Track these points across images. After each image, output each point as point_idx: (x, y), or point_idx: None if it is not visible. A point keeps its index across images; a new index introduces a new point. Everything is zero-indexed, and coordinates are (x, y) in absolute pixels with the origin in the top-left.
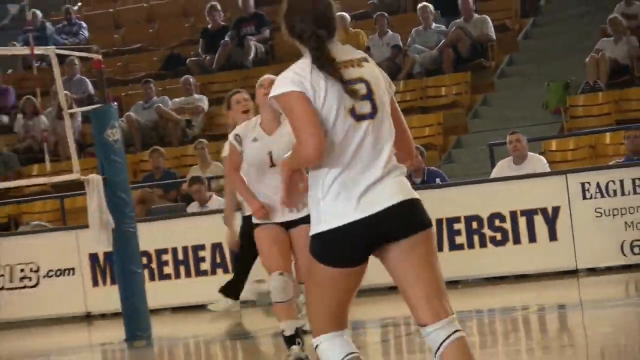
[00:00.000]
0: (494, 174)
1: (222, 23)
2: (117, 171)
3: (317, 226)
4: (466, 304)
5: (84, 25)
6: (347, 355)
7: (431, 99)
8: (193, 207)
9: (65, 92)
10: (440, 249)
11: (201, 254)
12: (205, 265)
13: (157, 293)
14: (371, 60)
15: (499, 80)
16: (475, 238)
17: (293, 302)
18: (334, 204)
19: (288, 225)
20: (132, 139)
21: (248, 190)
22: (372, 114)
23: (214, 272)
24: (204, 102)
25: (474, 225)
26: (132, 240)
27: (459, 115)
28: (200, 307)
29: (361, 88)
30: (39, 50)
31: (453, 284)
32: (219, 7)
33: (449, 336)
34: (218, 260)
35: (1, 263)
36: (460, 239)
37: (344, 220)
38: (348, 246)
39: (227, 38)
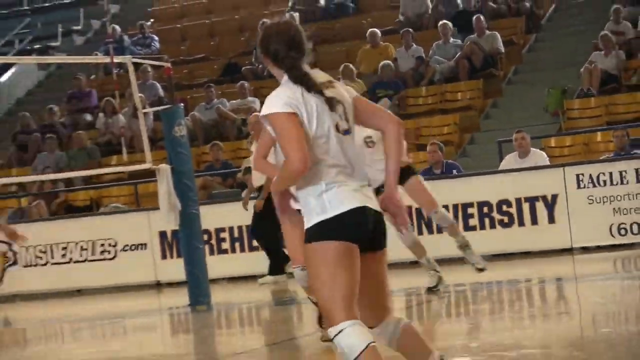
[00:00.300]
0: (502, 166)
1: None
2: (183, 162)
3: (323, 214)
4: (478, 277)
5: (156, 38)
6: (370, 343)
7: (449, 103)
8: (246, 192)
9: (140, 95)
10: None
11: None
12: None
13: (215, 265)
14: (336, 81)
15: (507, 87)
16: (486, 221)
17: None
18: (338, 195)
19: None
20: (196, 134)
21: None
22: (349, 131)
23: None
24: (256, 104)
25: (485, 209)
26: (195, 220)
27: (473, 116)
28: (252, 278)
29: (339, 107)
30: (117, 59)
31: None
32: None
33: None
34: None
35: (84, 239)
36: (473, 222)
37: (355, 204)
38: (363, 223)
39: None
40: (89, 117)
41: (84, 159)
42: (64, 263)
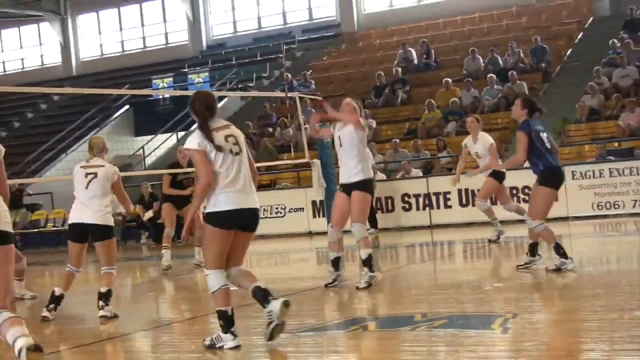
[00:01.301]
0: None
1: (384, 83)
2: (327, 157)
3: (214, 207)
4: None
5: (313, 82)
6: (224, 285)
7: (493, 125)
8: None
9: (302, 116)
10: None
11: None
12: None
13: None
14: (233, 126)
15: None
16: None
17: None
18: (226, 199)
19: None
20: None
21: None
22: (239, 152)
23: (383, 211)
24: (373, 124)
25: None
26: (334, 194)
27: (507, 134)
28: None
29: (232, 139)
30: (290, 95)
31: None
32: (383, 74)
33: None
34: (379, 205)
35: (267, 204)
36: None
37: (231, 207)
38: (230, 219)
39: (386, 90)
40: (270, 129)
41: (267, 155)
42: None
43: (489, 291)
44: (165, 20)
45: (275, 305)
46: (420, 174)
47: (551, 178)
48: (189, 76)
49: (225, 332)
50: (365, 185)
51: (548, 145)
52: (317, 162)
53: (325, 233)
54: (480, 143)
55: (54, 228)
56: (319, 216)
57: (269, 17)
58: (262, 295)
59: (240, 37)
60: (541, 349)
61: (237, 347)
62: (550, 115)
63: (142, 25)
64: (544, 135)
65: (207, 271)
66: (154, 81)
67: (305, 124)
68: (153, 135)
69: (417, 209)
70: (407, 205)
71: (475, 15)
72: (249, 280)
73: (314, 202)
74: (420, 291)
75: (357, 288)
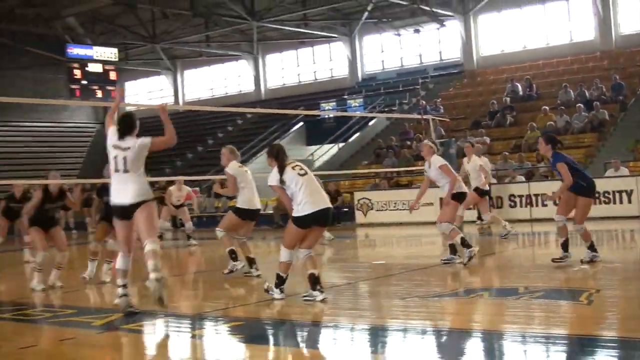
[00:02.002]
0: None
1: (496, 109)
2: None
3: (296, 213)
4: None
5: (441, 107)
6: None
7: (580, 142)
8: None
9: (433, 133)
10: None
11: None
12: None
13: (466, 213)
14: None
15: (610, 136)
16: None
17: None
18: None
19: None
20: (459, 152)
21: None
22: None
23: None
24: (487, 140)
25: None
26: None
27: (593, 150)
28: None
29: (298, 167)
30: (424, 117)
31: None
32: (495, 102)
33: None
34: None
35: (405, 199)
36: None
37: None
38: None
39: (498, 115)
40: (408, 142)
41: (405, 162)
42: (397, 210)
43: (577, 271)
44: (331, 59)
45: (316, 295)
46: (523, 179)
47: (591, 190)
48: (348, 101)
49: (276, 287)
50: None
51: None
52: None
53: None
54: (471, 164)
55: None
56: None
57: (409, 58)
58: (313, 282)
59: (387, 72)
60: (619, 318)
61: (281, 299)
62: (625, 137)
63: (314, 63)
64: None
65: (283, 248)
66: (322, 104)
67: (435, 139)
68: (320, 145)
69: (521, 206)
70: (512, 203)
71: (567, 59)
72: (310, 265)
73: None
74: (522, 270)
75: (464, 264)
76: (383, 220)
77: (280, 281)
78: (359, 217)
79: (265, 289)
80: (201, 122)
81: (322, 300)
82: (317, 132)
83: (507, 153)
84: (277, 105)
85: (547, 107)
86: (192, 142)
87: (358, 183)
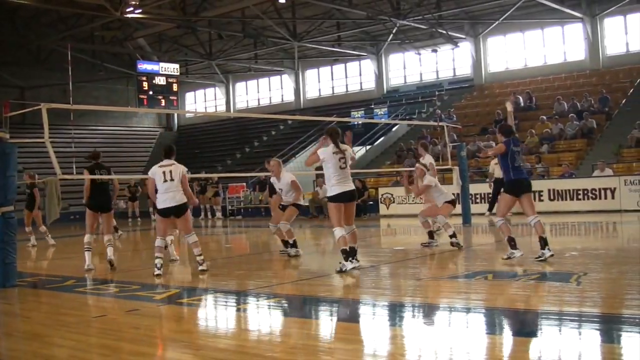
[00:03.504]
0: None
1: (501, 117)
2: (463, 165)
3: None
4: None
5: (455, 116)
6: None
7: (573, 147)
8: (488, 179)
9: (447, 138)
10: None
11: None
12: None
13: (474, 208)
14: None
15: (597, 143)
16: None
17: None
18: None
19: None
20: (469, 155)
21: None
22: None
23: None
24: (494, 145)
25: (584, 192)
26: (467, 189)
27: (583, 154)
28: (492, 214)
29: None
30: (440, 124)
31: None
32: (500, 112)
33: None
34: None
35: None
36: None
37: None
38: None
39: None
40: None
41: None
42: (415, 203)
43: (568, 257)
44: (360, 74)
45: (350, 264)
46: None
47: (512, 188)
48: (375, 110)
49: (346, 260)
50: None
51: (517, 164)
52: (456, 168)
53: (460, 214)
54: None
55: None
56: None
57: (427, 74)
58: (351, 253)
59: (408, 85)
60: (603, 296)
61: (355, 269)
62: (610, 142)
63: (346, 77)
64: (518, 155)
65: (334, 229)
66: (352, 112)
67: (449, 143)
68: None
69: None
70: None
71: (562, 75)
72: (351, 239)
73: (454, 194)
74: (522, 256)
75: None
76: (402, 212)
77: (345, 254)
78: (382, 209)
79: (338, 271)
80: (249, 127)
81: (352, 269)
82: None
83: None
84: (313, 113)
85: (544, 117)
86: (241, 144)
87: (382, 180)
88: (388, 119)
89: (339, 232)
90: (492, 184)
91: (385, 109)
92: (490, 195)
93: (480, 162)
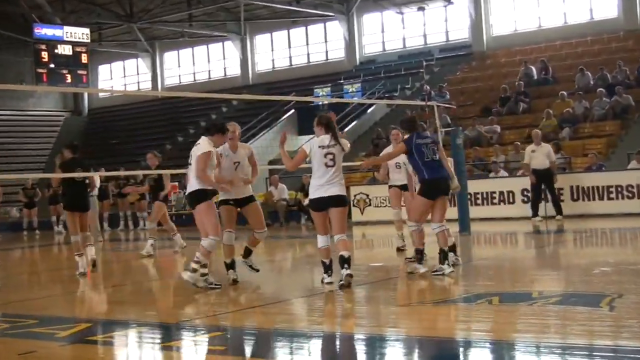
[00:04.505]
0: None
1: (508, 94)
2: (460, 157)
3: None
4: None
5: (447, 93)
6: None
7: (601, 131)
8: (492, 174)
9: (438, 122)
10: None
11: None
12: (496, 200)
13: (474, 211)
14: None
15: (634, 124)
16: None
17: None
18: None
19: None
20: (466, 143)
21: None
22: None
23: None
24: (498, 129)
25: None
26: (464, 187)
27: (615, 140)
28: (496, 219)
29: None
30: (428, 103)
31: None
32: (507, 87)
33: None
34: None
35: None
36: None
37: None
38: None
39: (510, 101)
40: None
41: None
42: None
43: (597, 275)
44: (326, 41)
45: (344, 273)
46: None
47: (426, 189)
48: (345, 87)
49: (325, 272)
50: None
51: (428, 157)
52: (450, 160)
53: (456, 220)
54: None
55: None
56: (450, 205)
57: (412, 39)
58: (341, 261)
59: (387, 54)
60: None
61: (342, 283)
62: None
63: (307, 44)
64: (426, 148)
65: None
66: (316, 90)
67: (440, 128)
68: (313, 135)
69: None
70: (525, 198)
71: (587, 39)
72: (341, 247)
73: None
74: (537, 271)
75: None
76: (382, 218)
77: (324, 267)
78: (356, 214)
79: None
80: (182, 110)
81: (329, 283)
82: (310, 121)
83: (519, 143)
84: (265, 92)
85: (564, 92)
86: (172, 132)
87: (354, 177)
88: (362, 98)
89: (320, 240)
90: (532, 176)
91: (358, 85)
92: (529, 194)
93: (480, 151)
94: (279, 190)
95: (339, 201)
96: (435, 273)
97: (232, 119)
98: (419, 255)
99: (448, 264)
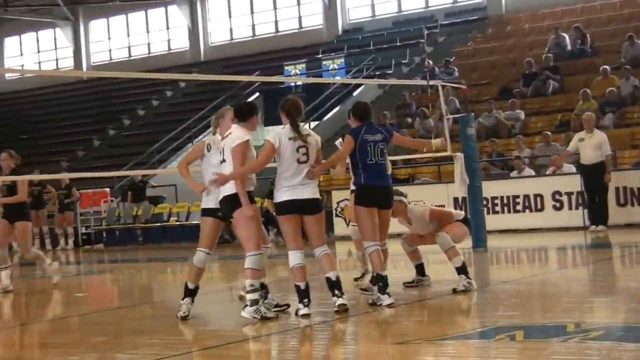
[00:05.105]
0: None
1: (534, 70)
2: (471, 151)
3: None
4: None
5: (456, 69)
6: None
7: None
8: (514, 173)
9: (444, 106)
10: None
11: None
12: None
13: (491, 221)
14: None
15: None
16: None
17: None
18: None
19: None
20: (480, 133)
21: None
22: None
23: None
24: (522, 115)
25: None
26: (478, 191)
27: None
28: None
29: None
30: (431, 83)
31: None
32: (532, 61)
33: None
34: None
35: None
36: None
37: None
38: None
39: (536, 79)
40: (409, 120)
41: (405, 149)
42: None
43: None
44: (299, 4)
45: (337, 302)
46: (574, 170)
47: (361, 196)
48: (323, 62)
49: (300, 301)
50: None
51: (371, 159)
52: (460, 155)
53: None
54: None
55: (177, 223)
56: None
57: (410, 1)
58: (330, 286)
59: (378, 20)
60: None
61: (338, 311)
62: None
63: (275, 8)
64: (373, 147)
65: (288, 251)
66: (286, 67)
67: (447, 114)
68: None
69: (570, 207)
70: (558, 204)
71: None
72: (326, 265)
73: (455, 199)
74: (573, 298)
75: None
76: None
77: (299, 294)
78: (339, 226)
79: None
80: (114, 95)
81: (304, 316)
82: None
83: (549, 133)
84: (222, 70)
85: (607, 67)
86: (102, 123)
87: (337, 180)
88: (346, 78)
89: (292, 257)
90: (581, 175)
91: (341, 60)
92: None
93: (499, 143)
94: None
95: (315, 207)
96: (372, 304)
97: (178, 105)
98: (381, 283)
99: (388, 294)
